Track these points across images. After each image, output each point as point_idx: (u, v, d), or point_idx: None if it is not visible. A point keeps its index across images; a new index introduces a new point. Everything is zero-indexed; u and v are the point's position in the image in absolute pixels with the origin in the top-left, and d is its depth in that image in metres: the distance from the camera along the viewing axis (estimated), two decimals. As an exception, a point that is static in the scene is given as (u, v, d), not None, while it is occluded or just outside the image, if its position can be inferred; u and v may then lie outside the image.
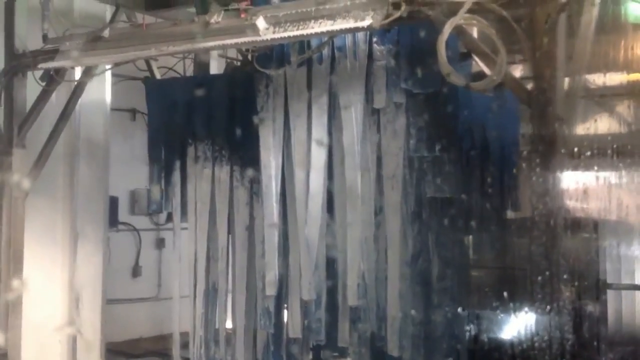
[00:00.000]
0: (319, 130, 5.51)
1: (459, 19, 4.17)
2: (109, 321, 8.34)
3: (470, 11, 4.18)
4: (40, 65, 6.42)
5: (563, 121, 4.18)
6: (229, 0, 5.29)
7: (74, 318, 7.78)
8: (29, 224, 7.00)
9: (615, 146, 4.43)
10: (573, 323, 4.36)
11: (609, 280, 5.37)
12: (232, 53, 7.24)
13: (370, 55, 5.36)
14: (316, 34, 4.96)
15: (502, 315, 4.97)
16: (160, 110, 6.62)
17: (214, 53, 7.99)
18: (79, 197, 7.85)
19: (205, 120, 6.26)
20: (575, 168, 4.38)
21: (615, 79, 4.54)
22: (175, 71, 8.23)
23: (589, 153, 4.39)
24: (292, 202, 5.64)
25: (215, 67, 8.24)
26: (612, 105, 4.69)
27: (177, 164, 6.44)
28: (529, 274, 4.27)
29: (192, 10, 6.87)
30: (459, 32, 4.37)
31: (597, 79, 4.50)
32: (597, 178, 4.56)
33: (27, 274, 6.88)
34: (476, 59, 4.88)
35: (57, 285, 7.76)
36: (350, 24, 4.71)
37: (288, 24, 4.95)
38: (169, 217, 6.74)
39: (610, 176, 4.60)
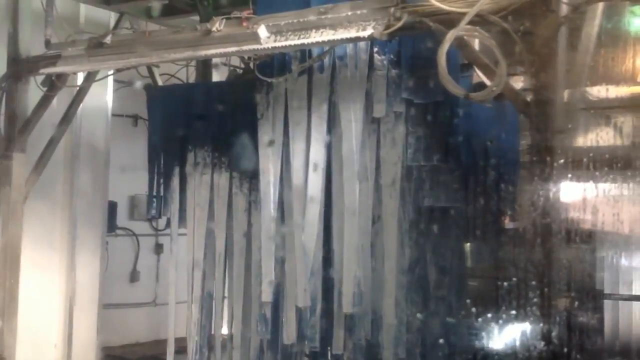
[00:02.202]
0: (318, 139, 5.53)
1: (460, 30, 4.20)
2: (106, 326, 8.36)
3: (471, 23, 4.21)
4: (42, 71, 6.45)
5: (562, 132, 4.21)
6: (231, 8, 5.34)
7: (70, 322, 7.79)
8: (28, 228, 7.03)
9: (613, 158, 4.45)
10: (570, 333, 4.37)
11: (606, 291, 5.39)
12: (236, 61, 7.29)
13: (371, 64, 5.38)
14: (317, 43, 4.99)
15: (498, 324, 4.97)
16: (161, 117, 6.64)
17: (217, 61, 8.05)
18: (78, 201, 7.88)
19: (206, 127, 6.28)
20: (574, 179, 4.40)
21: (614, 91, 4.57)
22: (177, 78, 8.29)
23: (587, 164, 4.42)
24: (289, 209, 5.65)
25: (218, 75, 8.29)
26: (611, 117, 4.72)
27: (177, 170, 6.46)
28: (526, 284, 4.28)
29: (196, 18, 6.96)
30: (460, 43, 4.40)
31: (597, 91, 4.53)
32: (595, 189, 4.59)
33: (24, 277, 6.90)
34: (477, 70, 4.93)
35: (54, 289, 7.79)
36: (351, 33, 4.74)
37: (289, 33, 4.97)
38: (169, 223, 6.76)
39: (608, 187, 4.62)
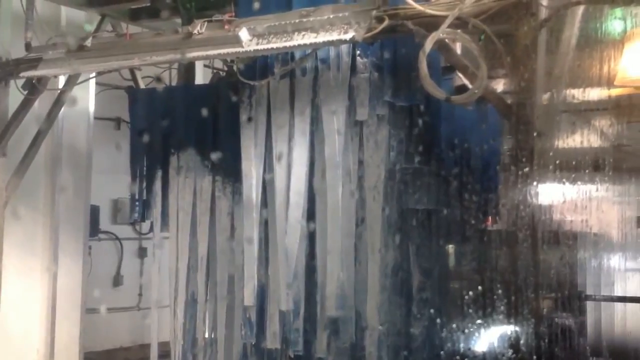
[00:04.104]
0: (301, 141, 5.52)
1: (441, 33, 4.21)
2: (89, 330, 8.30)
3: (452, 26, 4.23)
4: (22, 74, 6.39)
5: (542, 135, 4.24)
6: (213, 11, 5.33)
7: (53, 327, 7.73)
8: (9, 233, 6.96)
9: (593, 160, 4.49)
10: (552, 335, 4.39)
11: (588, 292, 5.43)
12: (219, 64, 7.27)
13: (353, 67, 5.37)
14: (299, 46, 4.97)
15: (481, 327, 4.99)
16: (143, 120, 6.60)
17: (200, 63, 8.01)
18: (60, 206, 7.81)
19: (188, 130, 6.25)
20: (554, 181, 4.43)
21: (594, 94, 4.60)
22: (160, 80, 8.24)
23: (567, 166, 4.44)
24: (272, 212, 5.64)
25: (201, 78, 8.26)
26: (591, 120, 4.76)
27: (159, 174, 6.42)
28: (508, 286, 4.30)
29: (178, 20, 6.93)
30: (441, 47, 4.42)
31: (576, 94, 4.56)
32: (576, 191, 4.61)
33: (5, 283, 6.83)
34: (458, 73, 4.95)
35: (36, 294, 7.71)
36: (333, 36, 4.75)
37: (271, 36, 4.97)
38: (152, 227, 6.72)
39: (589, 189, 4.65)
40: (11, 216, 7.00)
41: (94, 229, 8.97)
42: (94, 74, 7.13)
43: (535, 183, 4.16)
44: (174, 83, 8.31)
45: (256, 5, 5.37)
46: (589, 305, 5.56)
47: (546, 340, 4.28)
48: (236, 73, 5.69)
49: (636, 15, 4.53)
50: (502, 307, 4.39)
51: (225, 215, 6.04)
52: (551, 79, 4.27)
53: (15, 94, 6.75)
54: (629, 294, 5.72)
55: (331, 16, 4.78)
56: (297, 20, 4.89)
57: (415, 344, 5.25)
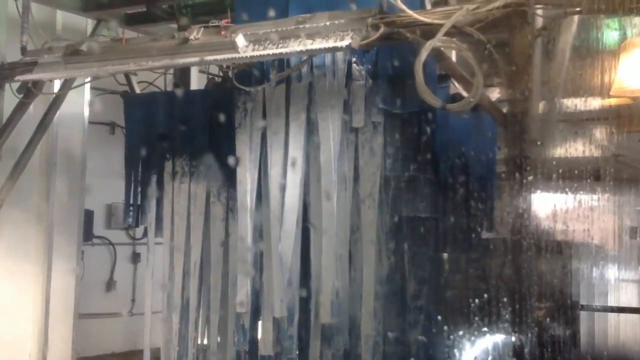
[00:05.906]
0: (296, 148, 5.51)
1: (437, 41, 4.22)
2: (82, 336, 8.28)
3: (448, 34, 4.24)
4: (17, 77, 6.37)
5: (538, 144, 4.24)
6: (209, 17, 5.33)
7: (45, 332, 7.71)
8: (2, 237, 6.95)
9: (588, 170, 4.49)
10: (546, 345, 4.39)
11: (581, 302, 5.42)
12: (214, 69, 7.27)
13: (349, 74, 5.37)
14: (295, 52, 4.98)
15: (475, 336, 4.98)
16: (138, 125, 6.59)
17: (195, 69, 8.02)
18: (54, 210, 7.80)
19: (183, 135, 6.24)
20: (550, 190, 4.43)
21: (589, 104, 4.61)
22: (155, 86, 8.25)
23: (563, 176, 4.45)
24: (266, 218, 5.63)
25: (196, 83, 8.27)
26: (587, 129, 4.76)
27: (154, 179, 6.41)
28: (503, 294, 4.30)
29: (174, 26, 6.94)
30: (437, 55, 4.43)
31: (572, 104, 4.57)
32: (572, 201, 4.61)
33: (-2, 287, 6.82)
34: (454, 81, 4.96)
35: (29, 299, 7.70)
36: (329, 43, 4.74)
37: (268, 42, 4.97)
38: (146, 232, 6.70)
39: (585, 199, 4.65)
40: (5, 220, 6.98)
41: (87, 234, 8.95)
42: (89, 79, 7.11)
43: (529, 192, 4.16)
44: (169, 88, 8.31)
45: (253, 11, 5.37)
46: (583, 315, 5.55)
47: (540, 350, 4.28)
48: (232, 79, 5.69)
49: (632, 26, 4.54)
50: (496, 316, 4.39)
51: (219, 221, 6.03)
52: (547, 88, 4.28)
53: (10, 98, 6.74)
54: (622, 305, 5.71)
55: (327, 23, 4.78)
56: (293, 27, 4.89)
57: (410, 352, 5.24)
